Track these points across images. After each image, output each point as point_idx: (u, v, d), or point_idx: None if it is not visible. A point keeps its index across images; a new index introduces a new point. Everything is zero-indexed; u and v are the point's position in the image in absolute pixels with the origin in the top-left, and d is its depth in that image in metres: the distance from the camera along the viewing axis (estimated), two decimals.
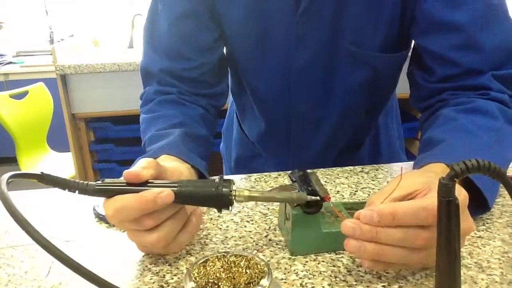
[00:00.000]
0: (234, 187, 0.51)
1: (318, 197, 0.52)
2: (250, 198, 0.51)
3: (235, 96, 0.97)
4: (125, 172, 0.49)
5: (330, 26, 0.74)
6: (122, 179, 0.50)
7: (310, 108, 0.83)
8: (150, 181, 0.50)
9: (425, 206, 0.44)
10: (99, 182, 0.50)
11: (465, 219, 0.47)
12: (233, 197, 0.51)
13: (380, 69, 0.78)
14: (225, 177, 0.52)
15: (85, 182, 0.50)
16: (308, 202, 0.52)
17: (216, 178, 0.52)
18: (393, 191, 0.48)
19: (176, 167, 0.58)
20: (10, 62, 3.51)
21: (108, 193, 0.50)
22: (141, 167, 0.50)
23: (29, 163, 2.53)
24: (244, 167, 1.03)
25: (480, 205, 0.59)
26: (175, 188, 0.50)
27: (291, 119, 0.86)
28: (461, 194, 0.47)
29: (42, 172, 0.48)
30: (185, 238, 0.54)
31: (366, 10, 0.72)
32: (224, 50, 0.85)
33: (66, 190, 0.49)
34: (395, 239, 0.45)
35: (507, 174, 0.71)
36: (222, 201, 0.50)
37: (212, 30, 0.80)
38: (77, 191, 0.49)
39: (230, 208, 0.51)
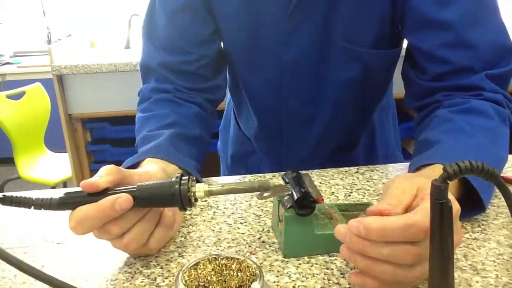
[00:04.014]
0: (193, 184, 0.50)
1: (284, 184, 0.52)
2: (210, 193, 0.51)
3: (232, 92, 0.97)
4: (82, 182, 0.49)
5: (321, 22, 0.74)
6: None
7: (302, 104, 0.83)
8: (110, 188, 0.50)
9: (414, 222, 0.42)
10: (62, 195, 0.50)
11: (456, 231, 0.46)
12: (192, 194, 0.50)
13: (372, 65, 0.78)
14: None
15: (49, 197, 0.49)
16: (301, 204, 0.51)
17: (174, 177, 0.51)
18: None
19: (146, 171, 0.58)
20: (7, 63, 3.50)
21: (71, 206, 0.49)
22: (98, 175, 0.50)
23: (26, 163, 2.52)
24: (240, 164, 1.03)
25: (475, 205, 0.59)
26: (133, 192, 0.49)
27: (283, 115, 0.86)
28: (454, 206, 0.46)
29: (4, 195, 0.48)
30: (162, 233, 0.54)
31: (358, 6, 0.72)
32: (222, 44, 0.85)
33: (32, 208, 0.49)
34: (383, 255, 0.43)
35: (502, 175, 0.70)
36: (182, 200, 0.50)
37: (209, 23, 0.80)
38: (42, 208, 0.49)
39: (192, 205, 0.50)
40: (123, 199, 0.48)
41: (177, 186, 0.49)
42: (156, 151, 0.65)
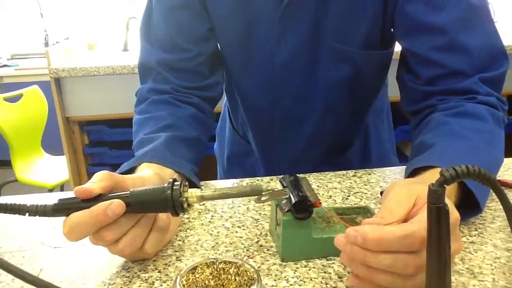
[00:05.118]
0: (186, 189, 0.51)
1: (275, 188, 0.52)
2: (202, 198, 0.51)
3: (227, 93, 0.97)
4: (75, 188, 0.49)
5: (312, 22, 0.75)
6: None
7: (293, 103, 0.84)
8: (104, 194, 0.50)
9: (412, 232, 0.42)
10: (57, 202, 0.50)
11: (455, 239, 0.46)
12: (184, 199, 0.50)
13: (363, 66, 0.78)
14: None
15: (43, 204, 0.50)
16: (299, 208, 0.51)
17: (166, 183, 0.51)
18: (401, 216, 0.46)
19: (140, 176, 0.58)
20: (5, 65, 3.49)
21: (65, 212, 0.50)
22: (92, 181, 0.51)
23: (24, 166, 2.51)
24: (236, 165, 1.03)
25: (472, 207, 0.59)
26: (126, 198, 0.49)
27: (275, 115, 0.86)
28: (452, 214, 0.46)
29: None
30: (157, 237, 0.54)
31: (348, 7, 0.73)
32: None
33: (27, 215, 0.49)
34: (385, 265, 0.43)
35: (498, 178, 0.71)
36: (174, 205, 0.50)
37: (205, 20, 0.81)
38: (37, 215, 0.50)
39: (184, 211, 0.51)
40: (115, 205, 0.48)
41: (169, 191, 0.50)
42: (152, 155, 0.65)
